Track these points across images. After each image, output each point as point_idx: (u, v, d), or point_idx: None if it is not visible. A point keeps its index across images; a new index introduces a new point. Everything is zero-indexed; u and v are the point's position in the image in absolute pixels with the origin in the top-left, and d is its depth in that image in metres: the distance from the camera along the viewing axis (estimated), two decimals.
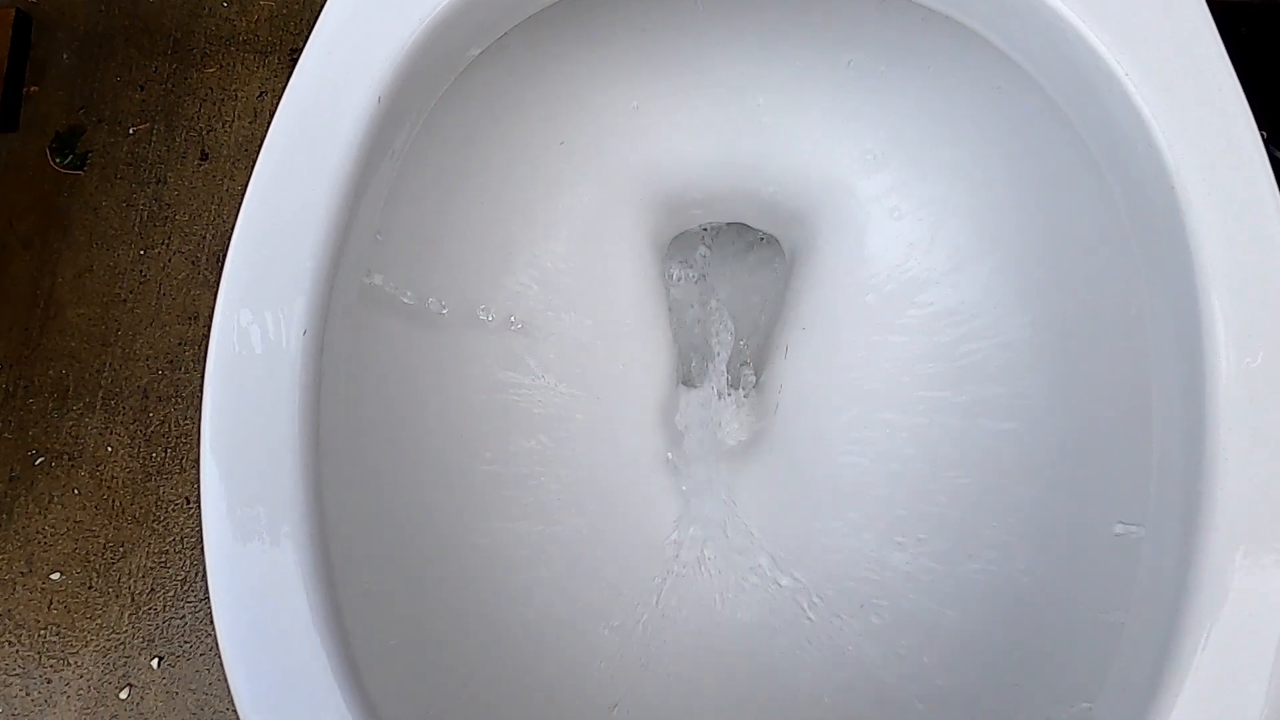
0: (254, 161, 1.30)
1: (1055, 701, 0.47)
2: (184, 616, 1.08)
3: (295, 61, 1.26)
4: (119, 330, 1.15)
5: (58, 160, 1.19)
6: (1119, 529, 0.48)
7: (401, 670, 0.44)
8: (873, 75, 0.59)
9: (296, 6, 1.22)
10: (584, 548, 0.60)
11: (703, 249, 0.73)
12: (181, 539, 1.10)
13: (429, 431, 0.54)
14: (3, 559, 1.10)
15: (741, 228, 0.74)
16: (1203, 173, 0.40)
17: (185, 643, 1.07)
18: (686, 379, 0.71)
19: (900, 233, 0.62)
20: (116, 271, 1.16)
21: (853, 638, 0.56)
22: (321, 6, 1.30)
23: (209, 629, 1.08)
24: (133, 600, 1.08)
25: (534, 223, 0.61)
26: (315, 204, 0.40)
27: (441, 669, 0.50)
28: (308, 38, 1.33)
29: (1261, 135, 1.08)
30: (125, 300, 1.16)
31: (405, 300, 0.50)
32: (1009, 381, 0.55)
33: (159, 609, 1.08)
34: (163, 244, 1.17)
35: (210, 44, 1.22)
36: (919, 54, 0.56)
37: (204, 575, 1.09)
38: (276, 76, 1.21)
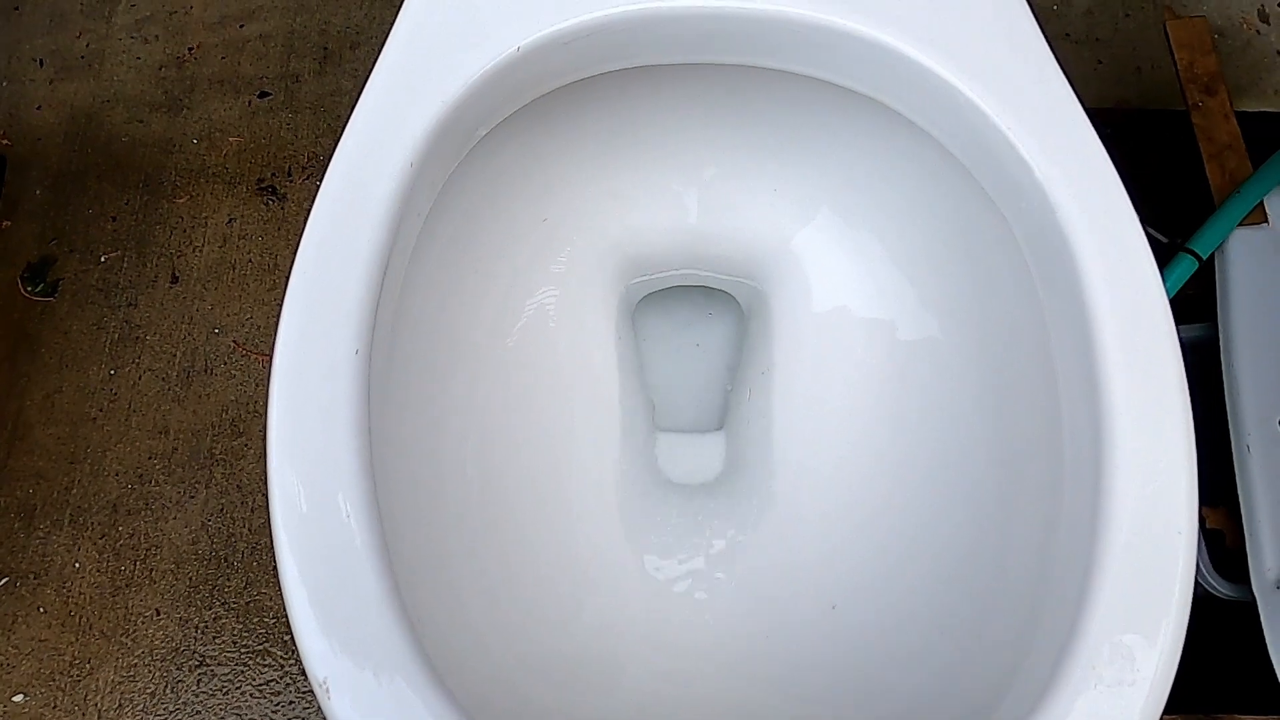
0: (224, 281, 1.35)
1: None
2: None
3: (263, 191, 1.35)
4: (88, 448, 1.17)
5: (29, 289, 1.24)
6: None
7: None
8: (804, 150, 0.71)
9: (264, 141, 1.32)
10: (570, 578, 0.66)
11: (669, 306, 0.82)
12: (151, 651, 1.09)
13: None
14: None
15: (705, 289, 0.84)
16: (1072, 191, 0.51)
17: None
18: (662, 424, 0.79)
19: (835, 280, 0.72)
20: (86, 391, 1.20)
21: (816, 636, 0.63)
22: (287, 143, 1.41)
23: None
24: (99, 717, 1.07)
25: (521, 289, 0.69)
26: (363, 241, 0.48)
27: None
28: (274, 169, 1.42)
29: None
30: (95, 419, 1.19)
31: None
32: (945, 396, 0.64)
33: None
34: (133, 363, 1.21)
35: (180, 177, 1.30)
36: (844, 129, 0.68)
37: (173, 687, 1.08)
38: (245, 204, 1.29)
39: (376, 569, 0.43)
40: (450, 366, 0.62)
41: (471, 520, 0.60)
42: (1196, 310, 1.11)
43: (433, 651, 0.44)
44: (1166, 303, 0.50)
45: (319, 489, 0.44)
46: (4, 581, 1.11)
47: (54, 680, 1.08)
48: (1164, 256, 1.09)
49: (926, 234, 0.67)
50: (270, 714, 1.06)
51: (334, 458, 0.44)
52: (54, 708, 1.07)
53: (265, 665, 1.09)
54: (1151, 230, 1.09)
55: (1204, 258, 1.05)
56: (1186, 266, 1.06)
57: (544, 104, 0.60)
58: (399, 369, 0.53)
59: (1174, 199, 1.18)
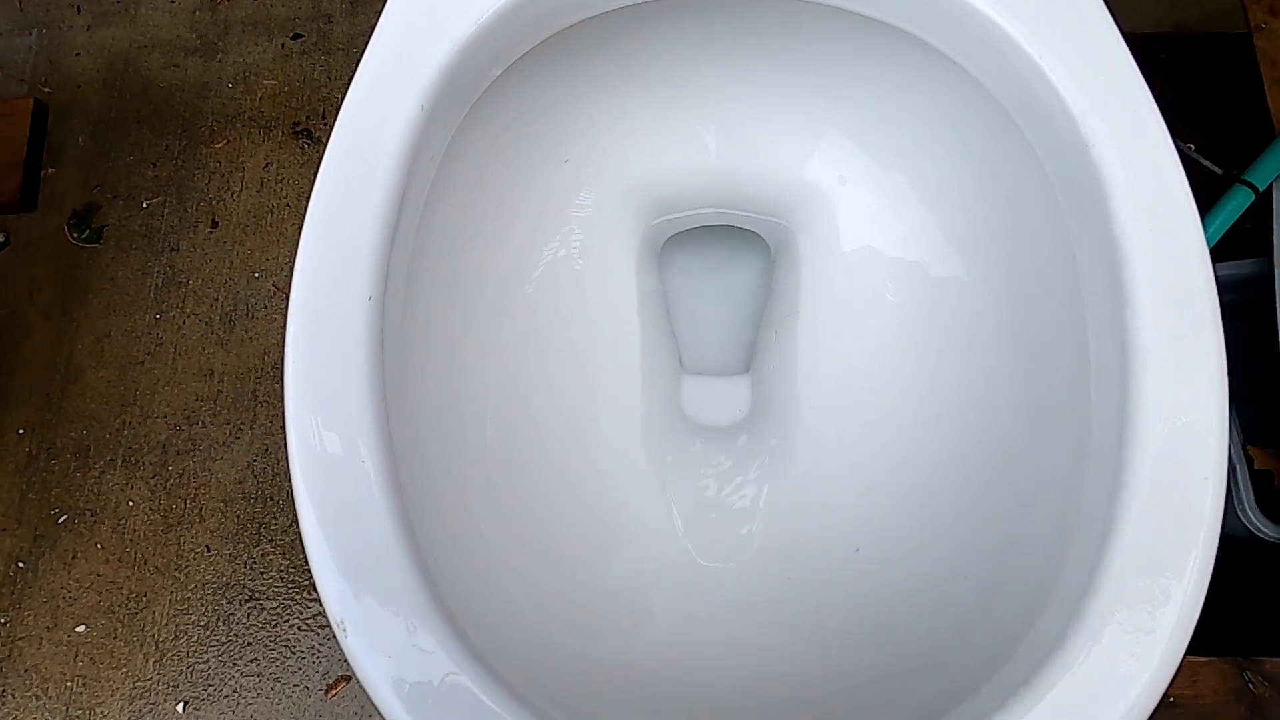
0: (262, 225, 1.36)
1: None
2: (207, 661, 1.11)
3: (298, 134, 1.35)
4: (137, 390, 1.20)
5: (75, 235, 1.26)
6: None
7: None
8: (829, 85, 0.69)
9: (297, 84, 1.32)
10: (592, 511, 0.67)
11: (696, 248, 0.81)
12: (202, 585, 1.13)
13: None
14: (28, 615, 1.13)
15: (731, 228, 0.83)
16: (1107, 125, 0.49)
17: (209, 686, 1.10)
18: (688, 367, 0.78)
19: (863, 219, 0.70)
20: (133, 336, 1.23)
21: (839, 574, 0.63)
22: (320, 85, 1.40)
23: (232, 672, 1.11)
24: (157, 648, 1.11)
25: (543, 231, 0.69)
26: (374, 188, 0.48)
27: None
28: (308, 112, 1.41)
29: (1189, 147, 1.18)
30: (143, 362, 1.21)
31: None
32: (972, 336, 0.63)
33: (183, 655, 1.11)
34: (177, 308, 1.24)
35: (218, 122, 1.31)
36: (869, 62, 0.65)
37: (225, 620, 1.12)
38: (281, 148, 1.30)
39: (392, 514, 0.44)
40: (470, 310, 0.62)
41: (493, 464, 0.61)
42: (1253, 244, 1.06)
43: (450, 594, 0.45)
44: (1204, 241, 0.48)
45: (335, 434, 0.45)
46: (64, 519, 1.16)
47: (113, 612, 1.12)
48: (1220, 188, 1.05)
49: (956, 171, 0.65)
50: (318, 646, 1.10)
51: (349, 404, 0.45)
52: (114, 638, 1.11)
53: (311, 600, 1.12)
54: (1206, 161, 1.05)
55: (1261, 189, 1.00)
56: (1242, 199, 1.01)
57: (560, 43, 0.59)
58: (417, 313, 0.53)
59: (1233, 127, 1.13)
